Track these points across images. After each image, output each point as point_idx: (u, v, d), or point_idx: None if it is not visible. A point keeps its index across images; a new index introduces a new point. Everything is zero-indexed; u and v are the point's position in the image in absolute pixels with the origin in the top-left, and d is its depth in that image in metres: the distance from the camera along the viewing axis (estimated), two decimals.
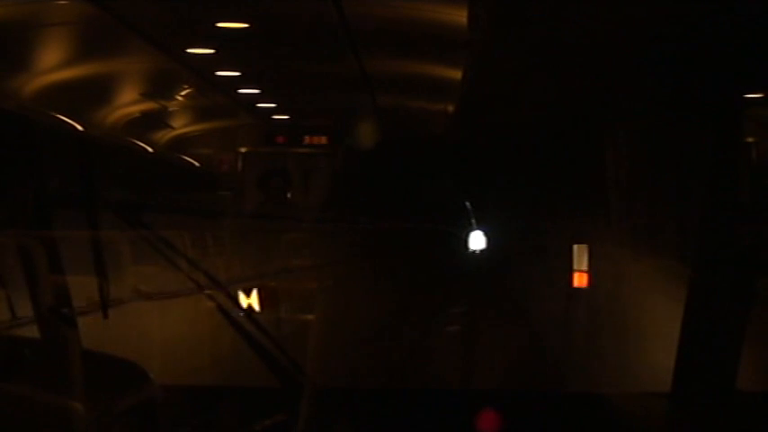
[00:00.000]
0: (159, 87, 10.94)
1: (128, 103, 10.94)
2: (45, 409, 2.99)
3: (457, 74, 9.43)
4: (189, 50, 9.72)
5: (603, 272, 7.31)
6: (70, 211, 3.90)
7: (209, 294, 3.64)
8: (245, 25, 8.76)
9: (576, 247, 7.74)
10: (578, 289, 7.63)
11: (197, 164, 12.49)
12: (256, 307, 7.71)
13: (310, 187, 11.75)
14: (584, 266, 7.59)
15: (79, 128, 9.58)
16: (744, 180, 4.31)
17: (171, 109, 11.42)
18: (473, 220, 8.23)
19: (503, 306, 7.08)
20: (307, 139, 12.58)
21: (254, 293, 7.75)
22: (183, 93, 11.05)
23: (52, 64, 9.13)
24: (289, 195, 10.59)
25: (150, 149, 11.65)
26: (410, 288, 6.56)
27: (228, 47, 9.58)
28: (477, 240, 7.77)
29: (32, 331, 3.40)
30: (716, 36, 4.25)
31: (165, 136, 12.09)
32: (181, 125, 12.09)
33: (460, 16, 7.61)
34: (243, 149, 12.54)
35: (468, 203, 8.10)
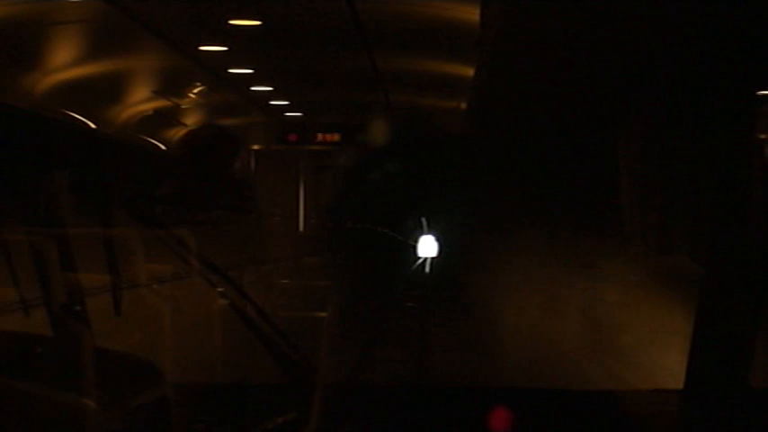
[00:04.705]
0: (172, 85, 10.96)
1: (140, 100, 10.96)
2: (57, 407, 3.00)
3: (469, 71, 9.43)
4: (202, 48, 9.73)
5: None
6: (83, 207, 3.91)
7: (221, 292, 3.65)
8: (258, 23, 8.77)
9: None
10: None
11: None
12: None
13: None
14: None
15: (92, 125, 9.61)
16: (756, 178, 4.30)
17: (183, 106, 11.44)
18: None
19: None
20: (319, 137, 12.59)
21: None
22: (195, 90, 11.07)
23: (65, 62, 9.15)
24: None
25: (163, 147, 11.68)
26: None
27: (241, 44, 9.59)
28: None
29: (44, 328, 3.42)
30: (727, 33, 4.25)
31: (177, 133, 12.11)
32: (193, 123, 12.11)
33: (473, 14, 7.61)
34: (255, 147, 12.58)
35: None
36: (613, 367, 6.30)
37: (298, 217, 12.84)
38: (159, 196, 6.09)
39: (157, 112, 11.28)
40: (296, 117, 13.12)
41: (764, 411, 3.87)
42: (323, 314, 7.36)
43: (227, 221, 6.21)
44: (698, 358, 3.94)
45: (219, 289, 3.65)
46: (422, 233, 8.83)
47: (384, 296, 8.21)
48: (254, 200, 6.73)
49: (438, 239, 8.81)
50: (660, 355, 5.51)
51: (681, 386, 3.97)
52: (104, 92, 10.35)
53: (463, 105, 11.32)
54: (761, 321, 3.91)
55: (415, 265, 8.74)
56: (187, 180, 6.40)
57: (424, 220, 8.83)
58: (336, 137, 12.47)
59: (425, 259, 8.79)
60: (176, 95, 11.09)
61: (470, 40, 8.05)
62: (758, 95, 4.22)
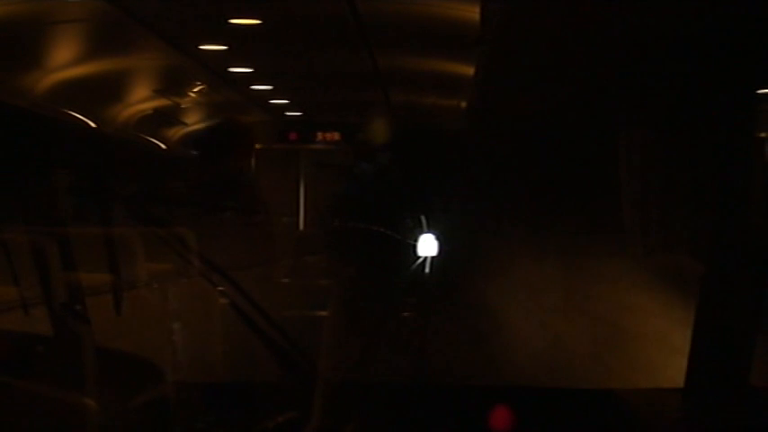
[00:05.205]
0: (172, 84, 10.96)
1: (140, 99, 10.96)
2: (58, 406, 3.00)
3: (469, 70, 9.44)
4: (202, 47, 9.73)
5: None
6: (83, 207, 3.91)
7: (221, 290, 3.65)
8: (258, 22, 8.77)
9: None
10: None
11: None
12: None
13: None
14: None
15: (92, 124, 9.61)
16: (757, 176, 4.30)
17: (184, 105, 11.44)
18: None
19: None
20: (320, 136, 12.59)
21: None
22: (195, 89, 11.07)
23: (65, 61, 9.16)
24: None
25: (163, 146, 11.68)
26: None
27: (241, 43, 9.59)
28: None
29: (45, 327, 3.42)
30: (727, 31, 4.25)
31: (177, 132, 12.11)
32: (194, 121, 12.11)
33: (473, 13, 7.61)
34: (255, 146, 12.54)
35: None
36: (617, 367, 6.30)
37: (298, 215, 12.84)
38: (171, 196, 6.05)
39: (157, 111, 11.27)
40: (296, 116, 13.13)
41: (765, 410, 3.87)
42: (323, 313, 7.36)
43: (240, 222, 6.15)
44: (698, 356, 3.94)
45: (220, 288, 3.65)
46: (421, 232, 8.82)
47: (382, 296, 8.21)
48: (265, 200, 6.61)
49: (438, 238, 8.80)
50: (660, 353, 5.51)
51: (681, 385, 3.97)
52: (104, 91, 10.36)
53: (463, 104, 11.32)
54: (761, 319, 3.91)
55: (414, 265, 8.74)
56: (200, 179, 6.29)
57: (423, 218, 8.83)
58: (337, 136, 12.47)
59: (425, 259, 8.78)
60: (176, 94, 11.09)
61: (471, 39, 8.05)
62: (758, 94, 4.22)
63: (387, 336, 8.08)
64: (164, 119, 11.54)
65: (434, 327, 8.61)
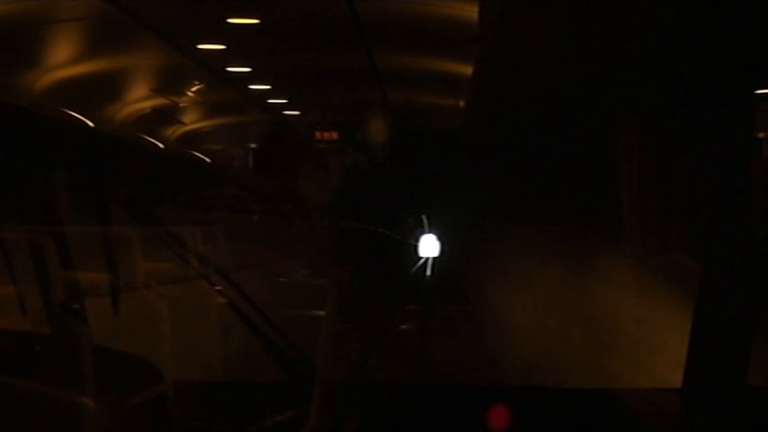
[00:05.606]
0: (170, 83, 10.95)
1: (139, 98, 10.95)
2: (56, 405, 3.00)
3: (468, 69, 9.43)
4: (200, 46, 9.73)
5: None
6: (81, 205, 3.91)
7: (220, 290, 3.65)
8: (256, 21, 8.76)
9: None
10: None
11: (207, 159, 12.52)
12: None
13: None
14: None
15: (90, 123, 9.60)
16: (754, 176, 4.30)
17: (182, 104, 11.43)
18: None
19: None
20: (318, 135, 12.58)
21: None
22: (193, 88, 11.06)
23: (64, 60, 9.14)
24: None
25: (161, 145, 11.67)
26: None
27: (239, 42, 9.58)
28: None
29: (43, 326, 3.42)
30: (726, 32, 4.25)
31: (176, 131, 12.10)
32: (191, 120, 12.10)
33: (471, 12, 7.61)
34: (252, 145, 12.57)
35: None
36: (617, 368, 6.31)
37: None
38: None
39: (155, 110, 11.26)
40: (294, 115, 13.11)
41: (762, 409, 3.87)
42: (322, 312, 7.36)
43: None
44: (696, 357, 3.95)
45: (218, 287, 3.65)
46: (422, 232, 8.82)
47: (379, 297, 8.20)
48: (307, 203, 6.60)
49: (440, 239, 8.81)
50: (658, 353, 5.52)
51: (679, 385, 3.98)
52: (103, 90, 10.34)
53: (462, 103, 11.32)
54: (759, 320, 3.91)
55: (414, 267, 8.74)
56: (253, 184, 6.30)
57: (424, 217, 8.83)
58: (335, 135, 12.45)
59: (426, 260, 8.78)
60: (175, 94, 11.08)
61: (469, 38, 8.05)
62: (757, 95, 4.22)
63: (384, 337, 8.08)
64: (162, 118, 11.53)
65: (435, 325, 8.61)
